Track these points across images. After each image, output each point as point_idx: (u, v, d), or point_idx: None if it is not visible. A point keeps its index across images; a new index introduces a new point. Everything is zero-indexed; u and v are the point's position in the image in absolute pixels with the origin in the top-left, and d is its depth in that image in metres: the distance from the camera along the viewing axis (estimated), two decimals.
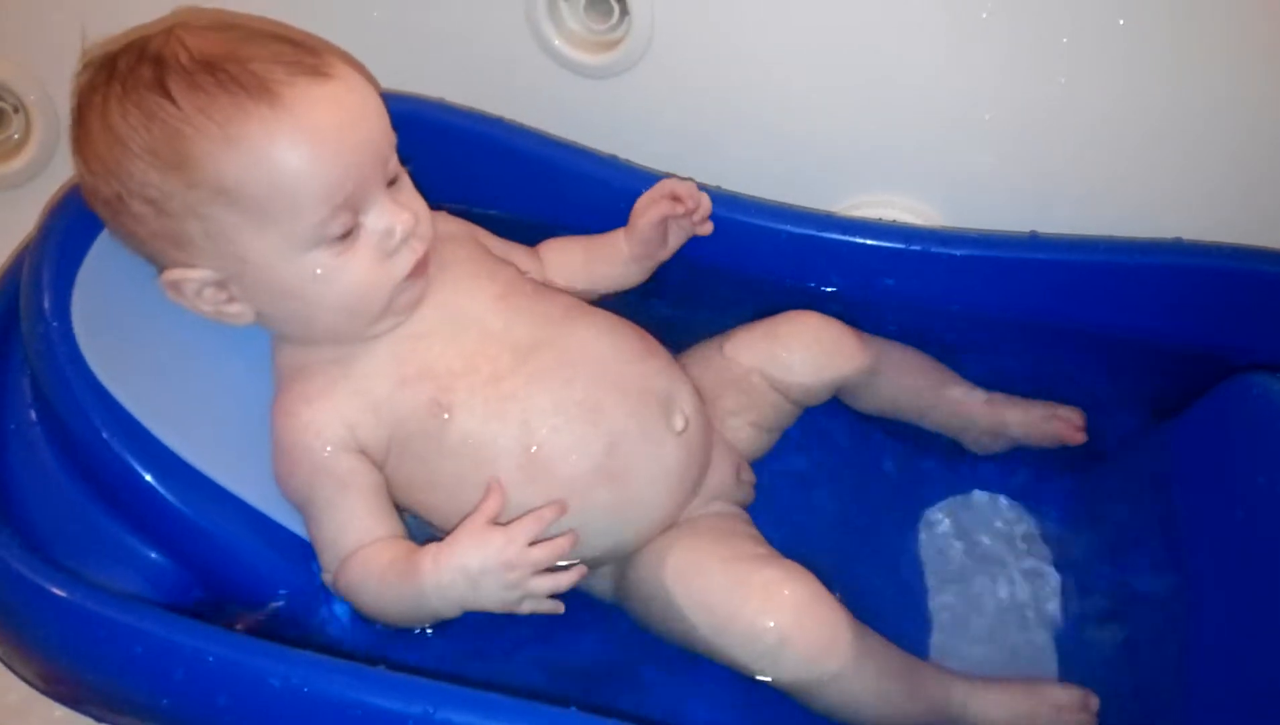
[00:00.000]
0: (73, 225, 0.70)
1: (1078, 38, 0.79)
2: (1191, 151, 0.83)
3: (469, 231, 0.79)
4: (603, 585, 0.76)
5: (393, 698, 0.57)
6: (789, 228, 0.85)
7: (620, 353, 0.73)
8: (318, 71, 0.63)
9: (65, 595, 0.62)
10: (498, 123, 0.88)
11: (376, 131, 0.65)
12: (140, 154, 0.61)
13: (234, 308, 0.67)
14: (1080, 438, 0.84)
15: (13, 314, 0.71)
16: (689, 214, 0.80)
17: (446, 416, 0.68)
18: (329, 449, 0.67)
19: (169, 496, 0.67)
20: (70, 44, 0.69)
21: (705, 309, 0.88)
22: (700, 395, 0.77)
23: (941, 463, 0.86)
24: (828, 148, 0.89)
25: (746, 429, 0.82)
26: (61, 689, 0.67)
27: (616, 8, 0.85)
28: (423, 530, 0.72)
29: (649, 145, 0.89)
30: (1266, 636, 0.66)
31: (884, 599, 0.78)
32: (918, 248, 0.84)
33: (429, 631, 0.69)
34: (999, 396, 0.85)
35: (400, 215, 0.66)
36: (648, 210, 0.80)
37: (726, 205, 0.85)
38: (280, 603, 0.71)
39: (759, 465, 0.83)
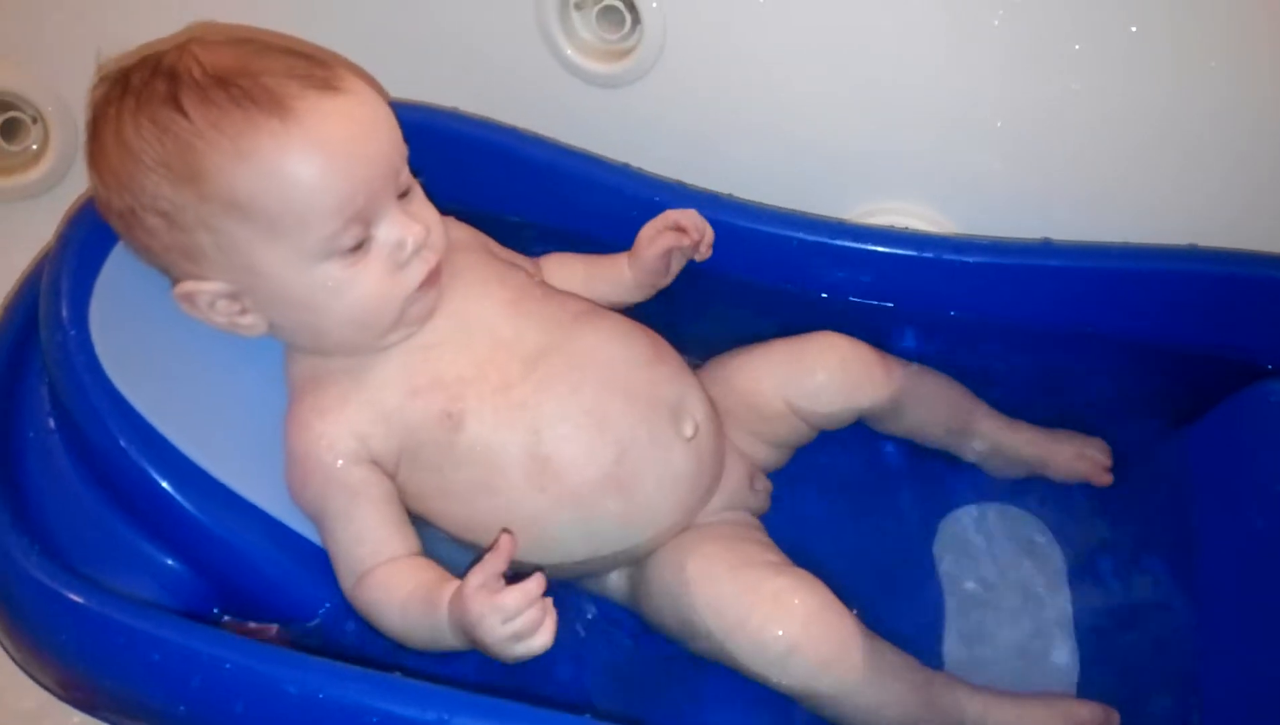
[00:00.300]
0: (91, 234, 0.71)
1: (1089, 43, 0.78)
2: (1202, 155, 0.82)
3: (478, 239, 0.79)
4: (618, 589, 0.76)
5: (408, 705, 0.58)
6: (800, 235, 0.85)
7: (630, 358, 0.73)
8: (329, 85, 0.63)
9: (83, 602, 0.62)
10: (510, 131, 0.89)
11: (387, 144, 0.66)
12: (153, 167, 0.62)
13: (247, 319, 0.67)
14: (1107, 479, 0.83)
15: (31, 322, 0.71)
16: (695, 245, 0.80)
17: (457, 426, 0.68)
18: (341, 461, 0.67)
19: (186, 504, 0.68)
20: (88, 55, 0.70)
21: (715, 316, 0.88)
22: (713, 403, 0.77)
23: (957, 471, 0.85)
24: (839, 155, 0.89)
25: (762, 446, 0.82)
26: (78, 695, 0.68)
27: (628, 17, 0.86)
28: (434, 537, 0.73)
29: (660, 153, 0.89)
30: None
31: (899, 609, 0.77)
32: (930, 255, 0.84)
33: None
34: (1024, 428, 0.84)
35: (411, 227, 0.66)
36: (654, 242, 0.80)
37: (737, 212, 0.85)
38: (296, 610, 0.71)
39: (773, 473, 0.83)
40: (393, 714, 0.58)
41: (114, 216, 0.66)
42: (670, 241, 0.79)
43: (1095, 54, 0.79)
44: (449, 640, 0.63)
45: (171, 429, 0.68)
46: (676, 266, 0.82)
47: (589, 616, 0.76)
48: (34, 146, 0.92)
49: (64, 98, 0.90)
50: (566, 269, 0.83)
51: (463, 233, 0.78)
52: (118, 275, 0.70)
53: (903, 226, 0.88)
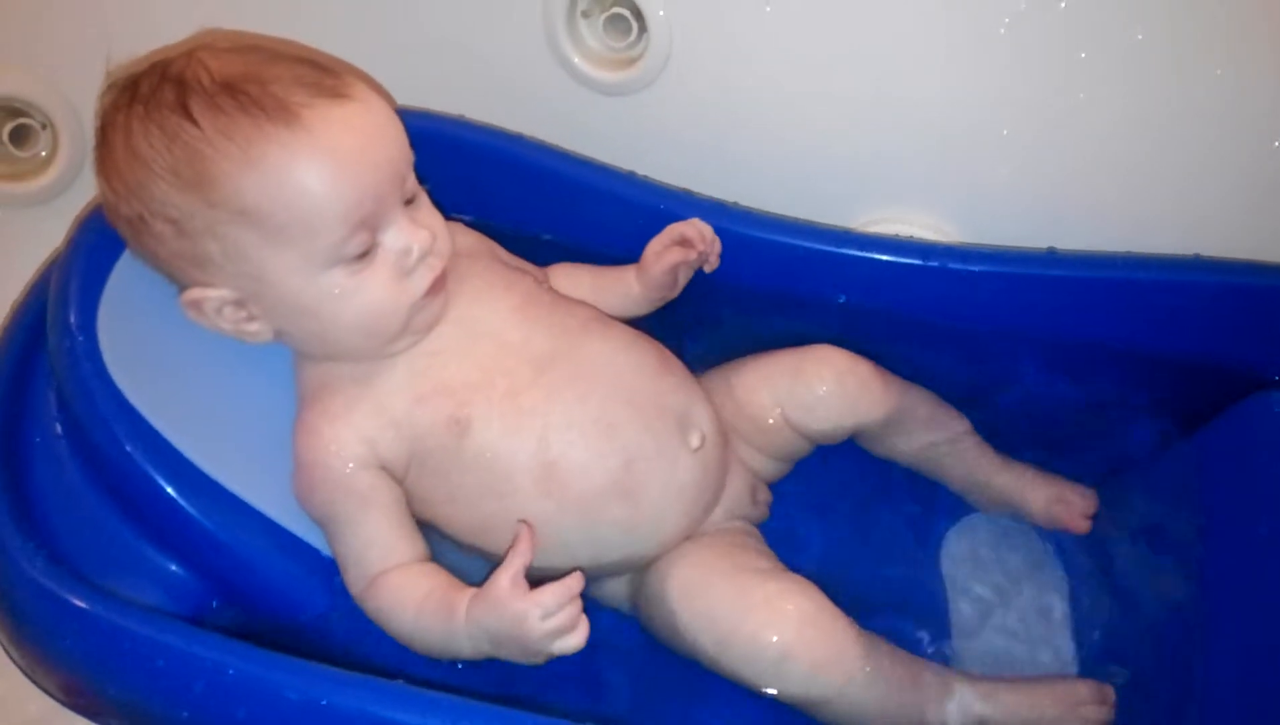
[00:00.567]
0: (99, 240, 0.71)
1: (1094, 53, 0.78)
2: (1206, 165, 0.82)
3: (485, 245, 0.79)
4: (618, 596, 0.76)
5: (411, 712, 0.58)
6: (806, 243, 0.85)
7: (637, 368, 0.73)
8: (337, 93, 0.63)
9: (87, 607, 0.63)
10: (517, 139, 0.89)
11: (394, 152, 0.66)
12: (162, 174, 0.62)
13: (253, 326, 0.67)
14: (1085, 528, 0.83)
15: (39, 328, 0.72)
16: (702, 257, 0.80)
17: (464, 431, 0.68)
18: (350, 467, 0.67)
19: (192, 510, 0.68)
20: (97, 62, 0.70)
21: (721, 324, 0.89)
22: (718, 415, 0.77)
23: None
24: (845, 164, 0.89)
25: (759, 458, 0.82)
26: (82, 701, 0.68)
27: (635, 25, 0.86)
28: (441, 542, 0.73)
29: (667, 161, 0.89)
30: None
31: (899, 612, 0.78)
32: (935, 263, 0.84)
33: None
34: (1009, 468, 0.84)
35: (418, 234, 0.66)
36: (661, 257, 0.80)
37: (743, 221, 0.85)
38: (301, 616, 0.71)
39: (772, 484, 0.83)
40: (396, 721, 0.58)
41: (122, 223, 0.67)
42: (677, 257, 0.79)
43: (1100, 63, 0.79)
44: (462, 645, 0.63)
45: (178, 435, 0.68)
46: (684, 279, 0.82)
47: (594, 624, 0.76)
48: (43, 153, 0.93)
49: (73, 104, 0.90)
50: (573, 280, 0.83)
51: (469, 239, 0.78)
52: (126, 281, 0.71)
53: (908, 235, 0.88)
